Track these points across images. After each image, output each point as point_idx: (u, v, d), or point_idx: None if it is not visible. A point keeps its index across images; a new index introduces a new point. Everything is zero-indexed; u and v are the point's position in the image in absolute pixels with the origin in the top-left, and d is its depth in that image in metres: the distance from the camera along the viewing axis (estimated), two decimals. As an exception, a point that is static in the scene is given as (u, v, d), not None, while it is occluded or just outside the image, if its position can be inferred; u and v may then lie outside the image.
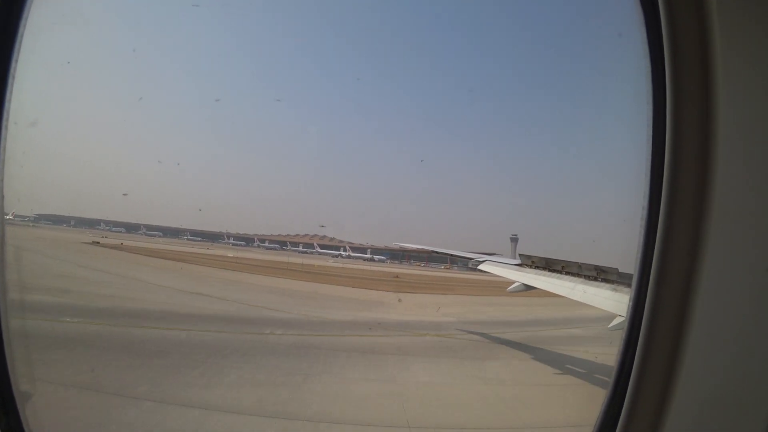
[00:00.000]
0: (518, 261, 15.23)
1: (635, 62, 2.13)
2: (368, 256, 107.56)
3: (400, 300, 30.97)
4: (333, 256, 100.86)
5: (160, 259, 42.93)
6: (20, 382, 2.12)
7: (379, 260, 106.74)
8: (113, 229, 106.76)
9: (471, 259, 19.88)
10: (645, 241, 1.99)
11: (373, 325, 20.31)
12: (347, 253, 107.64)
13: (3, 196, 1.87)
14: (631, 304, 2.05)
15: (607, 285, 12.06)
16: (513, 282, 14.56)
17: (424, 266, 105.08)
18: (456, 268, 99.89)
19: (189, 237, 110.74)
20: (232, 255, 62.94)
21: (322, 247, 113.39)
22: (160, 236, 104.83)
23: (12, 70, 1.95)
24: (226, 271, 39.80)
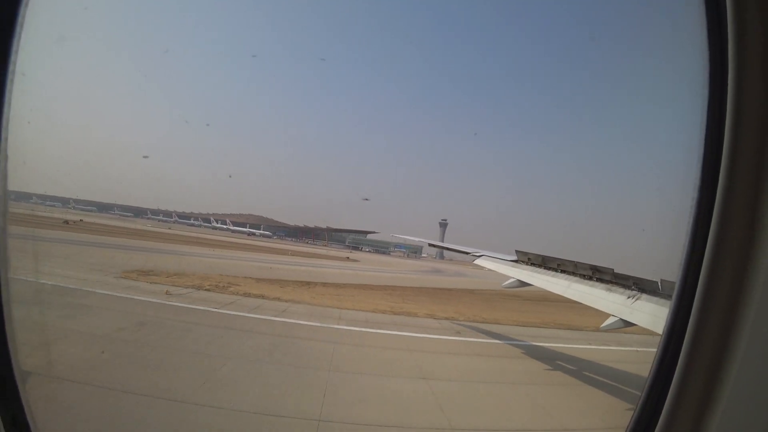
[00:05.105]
0: (514, 257, 15.20)
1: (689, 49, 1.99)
2: (248, 230, 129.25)
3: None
4: (232, 231, 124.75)
5: None
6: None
7: (261, 235, 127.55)
8: (47, 203, 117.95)
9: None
10: (691, 246, 1.85)
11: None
12: (228, 227, 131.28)
13: (7, 157, 1.72)
14: (670, 312, 1.93)
15: (602, 285, 12.09)
16: (509, 278, 14.56)
17: (308, 243, 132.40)
18: (333, 244, 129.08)
19: (119, 212, 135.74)
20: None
21: (235, 224, 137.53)
22: (94, 210, 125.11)
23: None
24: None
